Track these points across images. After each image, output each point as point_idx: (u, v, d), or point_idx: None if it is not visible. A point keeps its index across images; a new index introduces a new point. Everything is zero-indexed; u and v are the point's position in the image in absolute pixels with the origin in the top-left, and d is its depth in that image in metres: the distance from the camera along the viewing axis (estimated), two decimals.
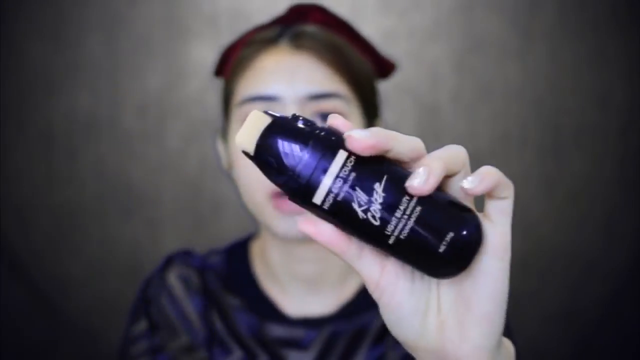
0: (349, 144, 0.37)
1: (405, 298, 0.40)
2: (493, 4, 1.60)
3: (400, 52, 1.57)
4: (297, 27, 0.77)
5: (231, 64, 0.81)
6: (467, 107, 1.61)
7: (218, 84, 1.61)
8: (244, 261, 0.83)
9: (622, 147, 1.63)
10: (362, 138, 0.37)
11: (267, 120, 0.39)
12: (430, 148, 1.65)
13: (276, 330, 0.78)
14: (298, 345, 0.77)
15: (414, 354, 0.41)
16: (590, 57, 1.61)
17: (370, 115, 0.78)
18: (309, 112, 0.72)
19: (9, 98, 1.60)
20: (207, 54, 1.58)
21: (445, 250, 0.38)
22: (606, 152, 1.63)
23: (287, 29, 0.77)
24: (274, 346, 0.77)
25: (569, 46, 1.61)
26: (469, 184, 0.38)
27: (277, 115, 0.40)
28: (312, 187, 0.38)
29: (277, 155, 0.38)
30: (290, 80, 0.72)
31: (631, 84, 1.61)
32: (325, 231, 0.39)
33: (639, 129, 1.62)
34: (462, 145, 1.61)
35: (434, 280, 0.41)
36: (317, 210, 0.39)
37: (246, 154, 0.39)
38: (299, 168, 0.38)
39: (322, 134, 0.38)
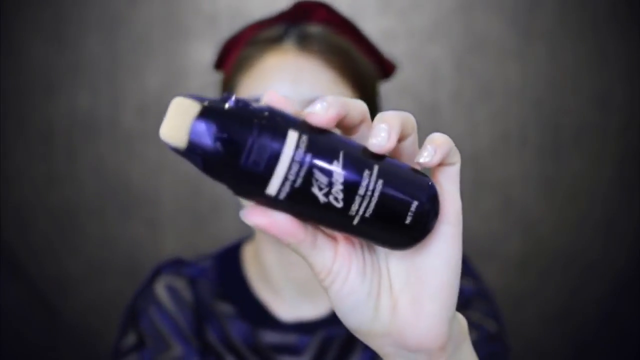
0: (312, 120, 0.34)
1: (358, 280, 0.37)
2: (493, 4, 1.60)
3: (400, 52, 1.56)
4: (302, 27, 0.75)
5: (233, 61, 0.79)
6: (467, 107, 1.61)
7: (218, 83, 1.60)
8: (236, 266, 0.82)
9: (622, 147, 1.63)
10: (324, 111, 0.34)
11: (196, 107, 0.33)
12: None
13: (270, 337, 0.77)
14: (292, 351, 0.76)
15: (369, 342, 0.39)
16: (590, 57, 1.61)
17: (372, 117, 0.77)
18: None
19: (8, 98, 1.59)
20: (207, 54, 1.57)
21: (411, 221, 0.36)
22: (606, 152, 1.63)
23: (291, 27, 0.75)
24: (268, 353, 0.76)
25: (569, 46, 1.61)
26: (425, 159, 0.37)
27: (206, 99, 0.33)
28: (264, 177, 0.32)
29: (216, 147, 0.32)
30: (295, 82, 0.70)
31: (631, 84, 1.61)
32: (280, 221, 0.34)
33: (639, 129, 1.62)
34: (462, 145, 1.61)
35: (383, 259, 0.39)
36: (271, 202, 0.34)
37: (176, 150, 0.33)
38: (245, 157, 0.32)
39: (265, 114, 0.33)
